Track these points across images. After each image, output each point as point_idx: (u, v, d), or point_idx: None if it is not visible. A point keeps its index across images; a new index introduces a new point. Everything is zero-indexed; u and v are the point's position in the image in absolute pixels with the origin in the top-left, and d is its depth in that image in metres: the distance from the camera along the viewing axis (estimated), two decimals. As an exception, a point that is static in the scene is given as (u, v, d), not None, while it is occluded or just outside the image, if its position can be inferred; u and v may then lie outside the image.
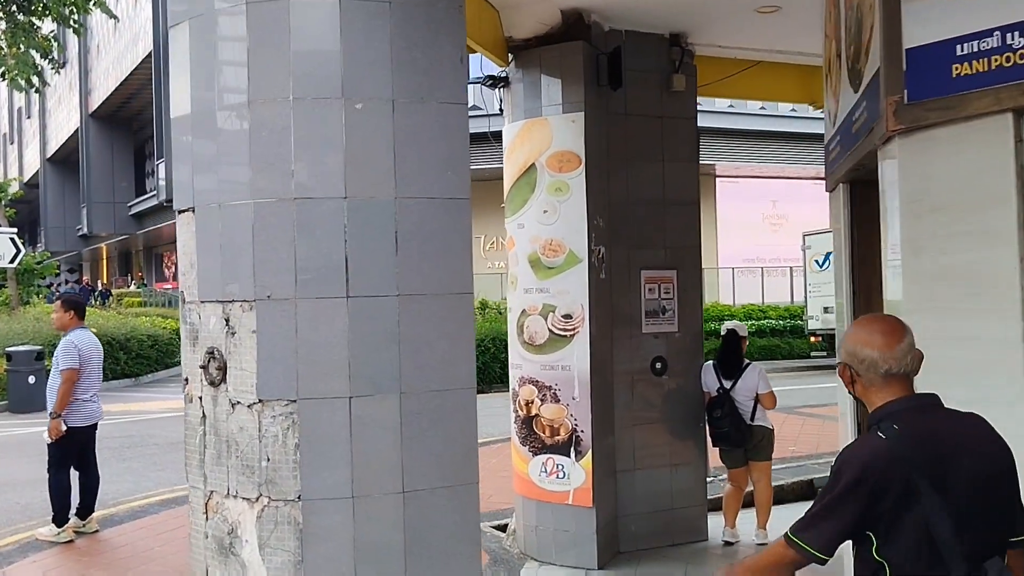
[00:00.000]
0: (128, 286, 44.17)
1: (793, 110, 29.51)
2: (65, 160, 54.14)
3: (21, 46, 19.30)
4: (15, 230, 18.60)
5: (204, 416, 3.48)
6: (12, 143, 66.81)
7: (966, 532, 2.13)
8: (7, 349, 15.97)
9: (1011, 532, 2.27)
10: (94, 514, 7.62)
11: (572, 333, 6.71)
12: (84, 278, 53.08)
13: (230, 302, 3.36)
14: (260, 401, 3.29)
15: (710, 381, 7.26)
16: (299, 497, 3.26)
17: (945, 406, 2.29)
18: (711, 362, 7.33)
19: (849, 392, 2.35)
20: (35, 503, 8.69)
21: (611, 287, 7.04)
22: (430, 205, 3.45)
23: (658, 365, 7.24)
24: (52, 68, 21.20)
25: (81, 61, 45.19)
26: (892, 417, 2.22)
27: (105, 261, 62.52)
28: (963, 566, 2.12)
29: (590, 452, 6.56)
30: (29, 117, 61.92)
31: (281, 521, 3.25)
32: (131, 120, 46.26)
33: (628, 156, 7.19)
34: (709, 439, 7.27)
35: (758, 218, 30.18)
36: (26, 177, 55.87)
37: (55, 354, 7.31)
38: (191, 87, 3.60)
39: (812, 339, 21.93)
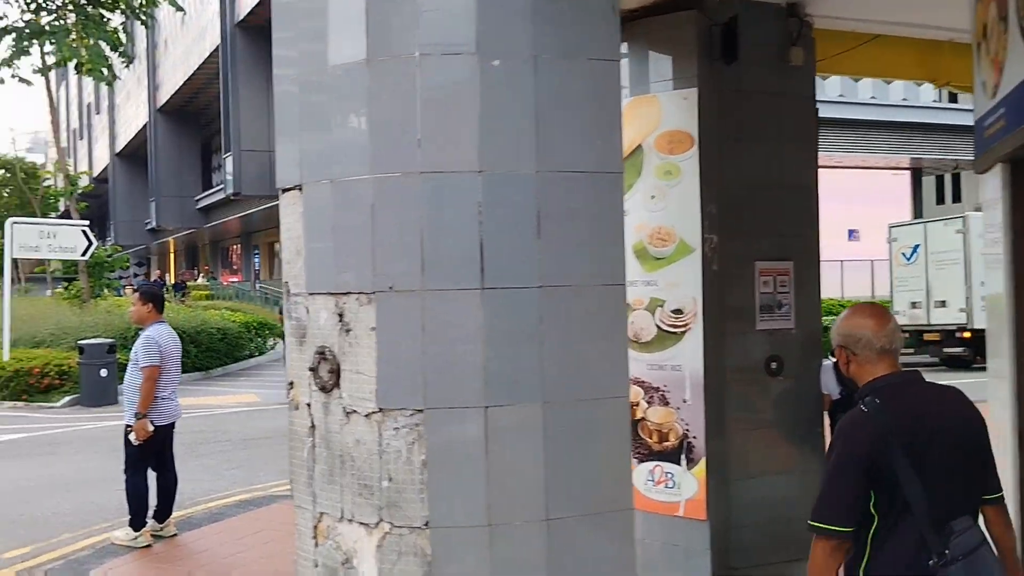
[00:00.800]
0: (195, 279, 44.55)
1: (873, 97, 28.42)
2: (133, 155, 54.96)
3: (92, 39, 19.34)
4: (87, 223, 18.60)
5: (313, 426, 3.01)
6: (82, 139, 68.14)
7: (936, 493, 2.40)
8: (79, 342, 15.90)
9: (984, 492, 2.54)
10: (171, 517, 7.28)
11: (683, 329, 6.16)
12: (157, 271, 53.79)
13: (344, 294, 2.88)
14: (380, 410, 2.80)
15: (830, 382, 6.66)
16: (426, 524, 2.76)
17: (927, 381, 2.62)
18: (830, 361, 6.74)
19: (844, 372, 2.66)
20: (110, 502, 8.41)
21: (722, 279, 6.50)
22: (577, 180, 2.92)
23: (773, 364, 6.68)
24: (122, 61, 21.23)
25: (149, 56, 45.71)
26: (875, 392, 2.52)
27: (172, 255, 63.44)
28: (931, 523, 2.38)
29: (703, 459, 6.00)
30: (98, 113, 63.06)
31: (405, 551, 2.76)
32: (198, 115, 46.67)
33: (741, 136, 6.65)
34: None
35: (836, 209, 29.13)
36: (95, 172, 56.89)
37: (134, 350, 6.97)
38: (297, 46, 3.13)
39: (897, 336, 20.92)
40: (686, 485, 6.00)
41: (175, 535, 7.19)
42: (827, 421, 6.74)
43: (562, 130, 2.89)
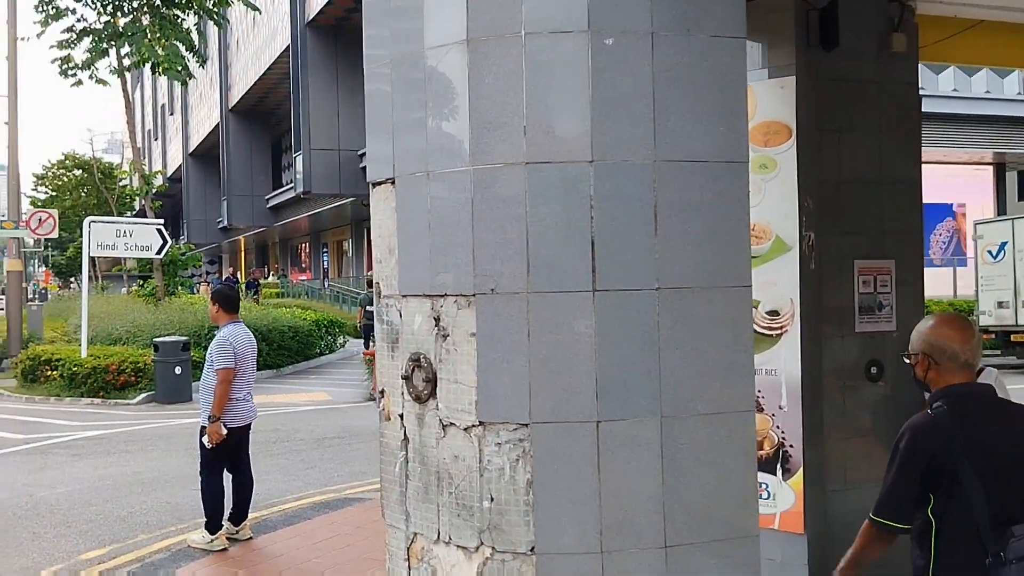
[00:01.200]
0: (265, 277, 45.14)
1: (955, 89, 27.37)
2: (206, 155, 56.00)
3: (168, 39, 19.60)
4: (161, 221, 18.84)
5: (406, 439, 2.77)
6: (157, 139, 69.74)
7: (996, 499, 2.51)
8: (154, 340, 16.07)
9: None
10: (247, 519, 7.17)
11: (779, 332, 5.83)
12: (229, 268, 54.69)
13: (441, 297, 2.64)
14: (481, 424, 2.55)
15: None
16: (532, 550, 2.51)
17: (997, 396, 2.79)
18: None
19: (918, 377, 2.83)
20: (185, 502, 8.36)
21: (820, 279, 6.16)
22: (698, 170, 2.62)
23: (873, 369, 6.30)
24: (197, 61, 21.50)
25: (221, 57, 46.46)
26: (944, 398, 2.68)
27: (243, 253, 64.54)
28: (991, 528, 2.48)
29: (800, 469, 5.65)
30: (172, 114, 64.44)
31: (509, 579, 2.52)
32: (268, 114, 47.31)
33: (840, 128, 6.29)
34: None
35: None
36: (169, 172, 58.16)
37: (209, 350, 6.87)
38: (389, 25, 2.89)
39: (984, 336, 20.13)
40: (782, 497, 5.66)
41: (250, 538, 7.08)
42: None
43: (682, 115, 2.60)
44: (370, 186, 2.93)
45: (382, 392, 2.87)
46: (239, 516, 7.05)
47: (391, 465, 2.86)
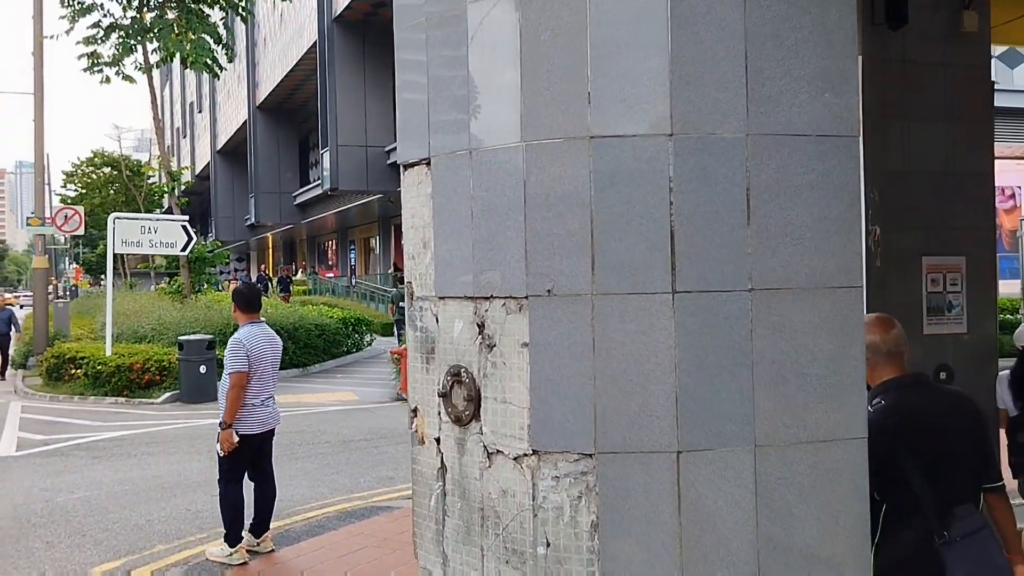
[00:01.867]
0: (293, 274, 44.99)
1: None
2: (234, 152, 56.01)
3: (195, 33, 19.36)
4: (186, 218, 18.56)
5: (444, 467, 2.34)
6: (185, 137, 69.99)
7: (936, 483, 2.73)
8: (179, 338, 15.78)
9: (984, 480, 2.88)
10: (269, 530, 6.78)
11: (845, 334, 5.31)
12: (261, 266, 54.66)
13: (486, 299, 2.20)
14: (535, 452, 2.11)
15: (1006, 396, 5.77)
16: (597, 607, 2.07)
17: (932, 383, 3.15)
18: (1006, 372, 5.87)
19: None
20: (206, 510, 7.99)
21: (885, 276, 5.71)
22: (800, 146, 2.15)
23: (942, 374, 5.84)
24: (225, 53, 21.24)
25: (248, 54, 46.37)
26: (881, 393, 2.84)
27: (271, 250, 64.59)
28: (934, 510, 2.71)
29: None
30: (200, 111, 64.58)
31: (570, 642, 2.07)
32: (296, 111, 47.16)
33: (907, 114, 5.83)
34: (1009, 467, 5.78)
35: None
36: (198, 169, 58.24)
37: (226, 353, 6.48)
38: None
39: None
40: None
41: (272, 551, 6.68)
42: (1004, 440, 5.86)
43: (780, 79, 2.13)
44: (401, 169, 2.49)
45: (414, 411, 2.44)
46: (260, 527, 6.66)
47: (425, 497, 2.41)
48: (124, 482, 9.21)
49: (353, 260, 48.53)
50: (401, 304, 25.15)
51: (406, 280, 2.46)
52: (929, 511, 2.68)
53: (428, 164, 2.37)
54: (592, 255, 2.07)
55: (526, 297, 2.12)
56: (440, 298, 2.32)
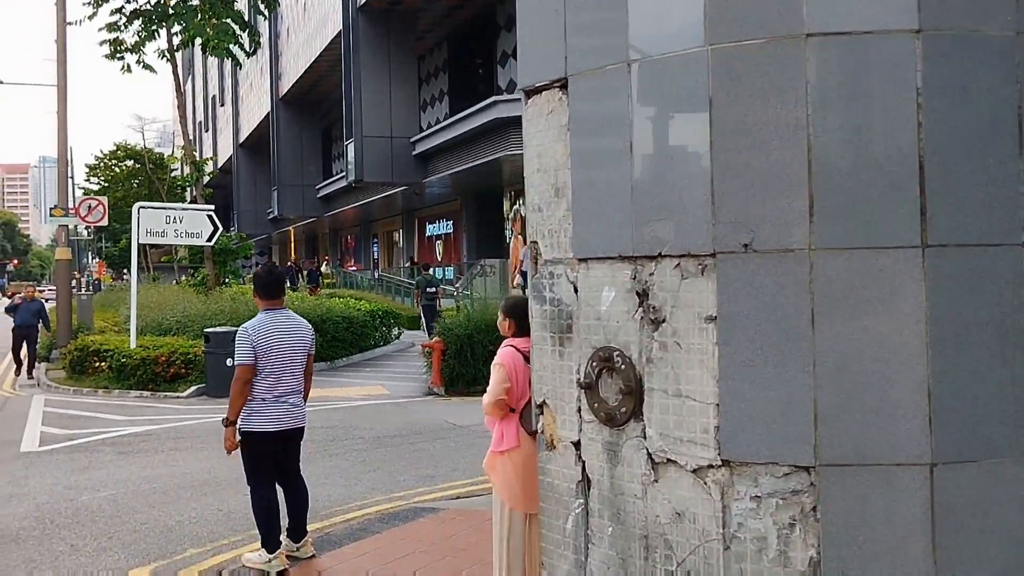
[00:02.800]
0: (320, 267, 44.60)
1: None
2: (256, 145, 55.75)
3: (219, 17, 18.93)
4: (211, 207, 18.12)
5: (586, 480, 1.79)
6: (207, 131, 69.86)
7: None
8: (205, 330, 15.33)
9: None
10: (308, 534, 6.27)
11: None
12: (292, 257, 54.21)
13: (652, 259, 1.65)
14: (725, 464, 1.56)
15: None
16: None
17: None
18: None
19: None
20: (238, 510, 7.50)
21: None
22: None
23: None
24: (250, 38, 20.79)
25: (272, 46, 46.01)
26: None
27: (293, 244, 64.35)
28: None
29: None
30: (223, 105, 64.40)
31: None
32: (319, 103, 46.79)
33: None
34: None
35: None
36: (220, 163, 58.01)
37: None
38: None
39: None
40: None
41: (313, 556, 6.17)
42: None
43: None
44: (523, 98, 1.94)
45: (541, 406, 1.89)
46: (297, 532, 6.14)
47: (558, 518, 1.86)
48: (152, 480, 8.74)
49: (376, 253, 48.13)
50: (429, 290, 24.63)
51: (528, 240, 1.92)
52: None
53: (563, 87, 1.81)
54: (810, 196, 1.51)
55: (712, 255, 1.57)
56: (581, 260, 1.77)
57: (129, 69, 21.84)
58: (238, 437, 5.82)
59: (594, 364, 1.73)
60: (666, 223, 1.62)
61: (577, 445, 1.83)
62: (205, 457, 9.78)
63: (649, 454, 1.66)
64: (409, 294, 29.36)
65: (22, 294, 19.80)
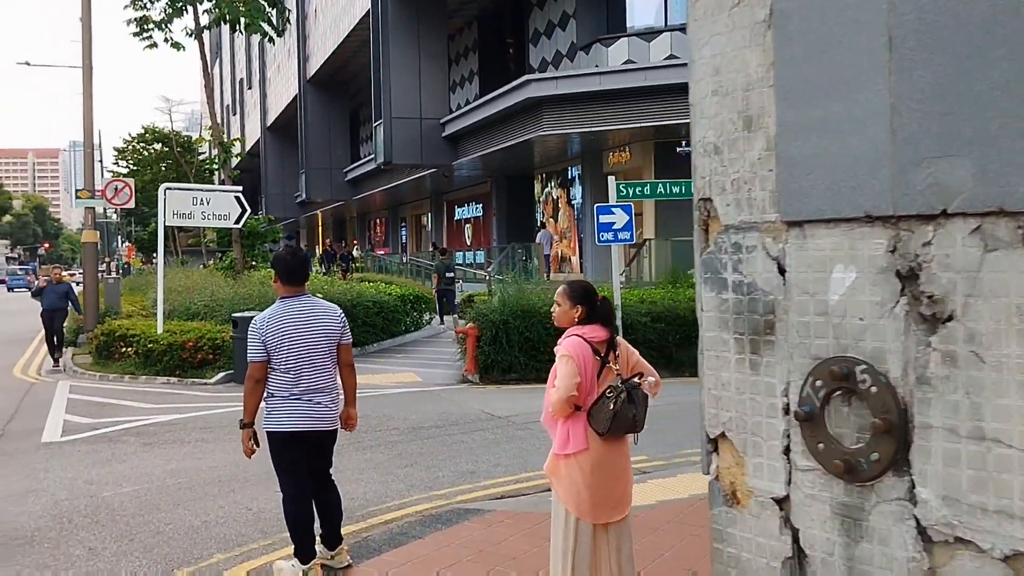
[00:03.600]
0: (348, 251, 44.21)
1: None
2: (284, 128, 55.37)
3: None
4: (239, 188, 17.61)
5: (800, 558, 1.19)
6: (235, 114, 69.59)
7: None
8: (233, 315, 14.85)
9: None
10: (343, 542, 5.71)
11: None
12: (327, 240, 53.75)
13: (928, 220, 1.04)
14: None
15: None
16: None
17: None
18: None
19: None
20: (268, 509, 6.97)
21: None
22: None
23: None
24: (279, 17, 20.24)
25: (299, 27, 45.50)
26: None
27: (320, 228, 64.05)
28: None
29: None
30: (250, 88, 64.07)
31: None
32: (346, 85, 46.27)
33: None
34: None
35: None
36: (248, 147, 57.68)
37: None
38: None
39: None
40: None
41: (349, 566, 5.61)
42: None
43: None
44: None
45: (714, 440, 1.29)
46: (332, 539, 5.58)
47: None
48: (177, 474, 8.24)
49: (404, 237, 47.65)
50: (448, 275, 24.19)
51: (695, 196, 1.31)
52: None
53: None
54: None
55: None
56: (792, 224, 1.16)
57: (155, 45, 21.37)
58: (252, 441, 5.26)
59: (817, 383, 1.13)
60: (959, 161, 1.01)
61: (783, 503, 1.23)
62: (233, 449, 9.27)
63: (921, 528, 1.06)
64: (440, 278, 28.82)
65: (48, 276, 18.87)
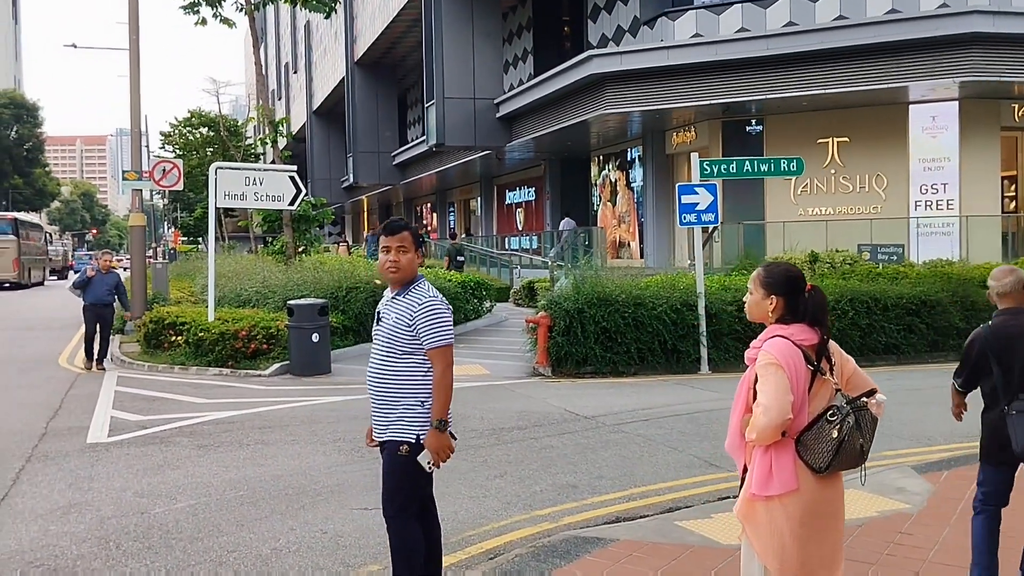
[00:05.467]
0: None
1: None
2: (330, 112, 54.64)
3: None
4: (294, 168, 16.63)
5: None
6: (280, 99, 69.02)
7: (1009, 385, 4.34)
8: (288, 303, 13.89)
9: None
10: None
11: None
12: (373, 228, 52.98)
13: None
14: None
15: None
16: None
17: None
18: None
19: None
20: (347, 532, 5.95)
21: None
22: None
23: None
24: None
25: (347, 8, 44.57)
26: (992, 317, 4.50)
27: (366, 213, 63.35)
28: (1004, 394, 4.34)
29: None
30: (295, 71, 63.43)
31: None
32: (395, 67, 45.32)
33: None
34: None
35: None
36: (294, 131, 57.02)
37: (396, 321, 4.23)
38: None
39: None
40: None
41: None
42: None
43: None
44: None
45: None
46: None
47: None
48: (237, 484, 7.23)
49: (452, 222, 46.65)
50: (459, 258, 23.59)
51: None
52: (1001, 395, 4.35)
53: None
54: None
55: None
56: None
57: (204, 22, 20.50)
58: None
59: None
60: None
61: None
62: (296, 454, 8.27)
63: None
64: (495, 264, 27.82)
65: (94, 264, 15.24)
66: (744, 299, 3.63)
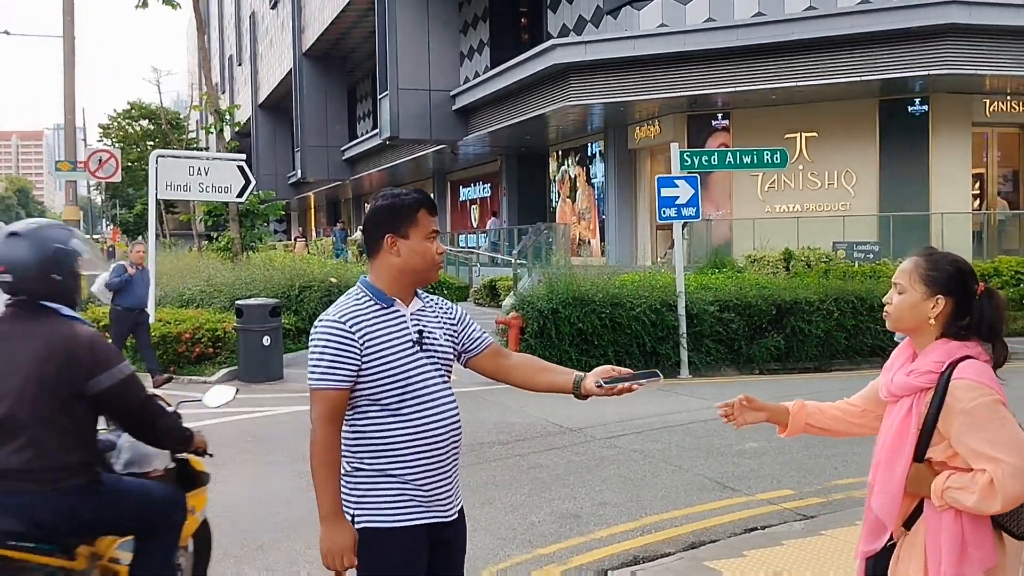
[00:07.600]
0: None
1: None
2: (276, 105, 53.07)
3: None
4: (243, 156, 15.44)
5: None
6: (223, 92, 66.98)
7: None
8: (237, 303, 12.74)
9: None
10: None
11: None
12: (340, 221, 51.44)
13: None
14: None
15: None
16: None
17: None
18: None
19: None
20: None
21: None
22: None
23: None
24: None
25: (294, -2, 43.09)
26: None
27: (312, 210, 61.79)
28: None
29: None
30: (240, 64, 61.64)
31: None
32: (344, 59, 43.98)
33: None
34: None
35: None
36: (239, 124, 55.29)
37: (446, 336, 3.13)
38: None
39: None
40: None
41: None
42: None
43: None
44: None
45: None
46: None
47: None
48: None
49: (404, 220, 45.41)
50: None
51: None
52: None
53: None
54: None
55: None
56: None
57: (145, 4, 19.18)
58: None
59: None
60: None
61: None
62: (250, 478, 7.20)
63: None
64: (452, 262, 26.79)
65: (130, 259, 12.43)
66: (887, 299, 2.67)
